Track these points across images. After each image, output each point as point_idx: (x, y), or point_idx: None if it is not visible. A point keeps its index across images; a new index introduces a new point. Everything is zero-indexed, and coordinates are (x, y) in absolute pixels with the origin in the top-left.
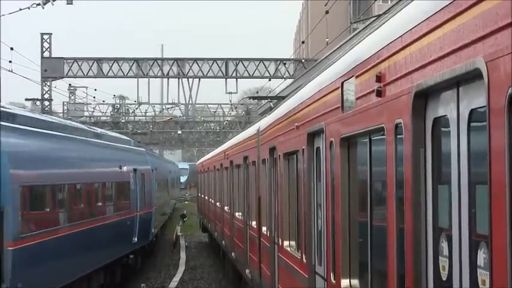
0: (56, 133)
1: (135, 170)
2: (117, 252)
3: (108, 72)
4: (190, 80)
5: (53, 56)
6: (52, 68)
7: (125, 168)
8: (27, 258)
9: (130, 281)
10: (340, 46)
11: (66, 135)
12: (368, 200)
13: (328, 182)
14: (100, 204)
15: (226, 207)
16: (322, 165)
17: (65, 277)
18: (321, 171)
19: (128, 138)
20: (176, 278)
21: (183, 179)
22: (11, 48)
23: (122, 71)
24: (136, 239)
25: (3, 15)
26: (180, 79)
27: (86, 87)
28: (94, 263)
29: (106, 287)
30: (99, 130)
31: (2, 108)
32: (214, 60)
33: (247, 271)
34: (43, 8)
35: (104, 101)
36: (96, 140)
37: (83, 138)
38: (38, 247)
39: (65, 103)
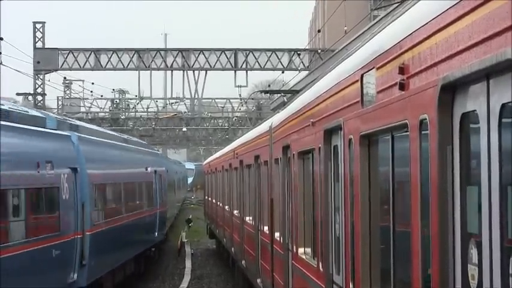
0: (107, 141)
1: (155, 171)
2: (148, 243)
3: (106, 64)
4: (196, 72)
5: (46, 46)
6: (45, 60)
7: (149, 170)
8: (97, 242)
9: None
10: (360, 35)
11: (114, 142)
12: (390, 203)
13: (346, 183)
14: (139, 200)
15: (235, 211)
16: (340, 165)
17: (118, 259)
18: (339, 171)
19: (143, 142)
20: None
21: (188, 180)
22: (1, 39)
23: (122, 62)
24: (156, 233)
25: None
26: (185, 71)
27: (83, 81)
28: (135, 249)
29: (132, 276)
30: (125, 136)
31: (79, 123)
32: (223, 50)
33: (258, 280)
34: None
35: (102, 96)
36: (129, 145)
37: (123, 144)
38: (105, 233)
39: (60, 98)
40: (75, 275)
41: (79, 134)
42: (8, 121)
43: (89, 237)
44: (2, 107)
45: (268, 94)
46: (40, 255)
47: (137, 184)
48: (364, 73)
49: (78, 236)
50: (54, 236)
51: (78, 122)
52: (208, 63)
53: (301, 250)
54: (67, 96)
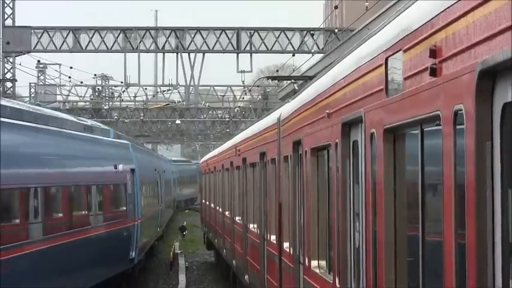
0: (142, 148)
1: (160, 172)
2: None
3: (87, 46)
4: (192, 55)
5: (17, 24)
6: (16, 40)
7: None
8: (143, 228)
9: None
10: (384, 12)
11: (146, 148)
12: (419, 209)
13: (368, 185)
14: (157, 194)
15: (237, 218)
16: (360, 164)
17: (150, 242)
18: (359, 171)
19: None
20: None
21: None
22: None
23: (105, 43)
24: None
25: None
26: (179, 54)
27: (59, 65)
28: (152, 239)
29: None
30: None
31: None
32: (223, 30)
33: None
34: None
35: (81, 82)
36: (150, 151)
37: (149, 150)
38: (147, 221)
39: (33, 85)
40: (133, 253)
41: (131, 143)
42: (91, 134)
43: (139, 224)
44: (86, 123)
45: (276, 81)
46: (115, 235)
47: (157, 181)
48: (389, 56)
49: (135, 223)
50: (123, 221)
51: (120, 133)
52: (206, 44)
53: (314, 263)
54: (41, 83)
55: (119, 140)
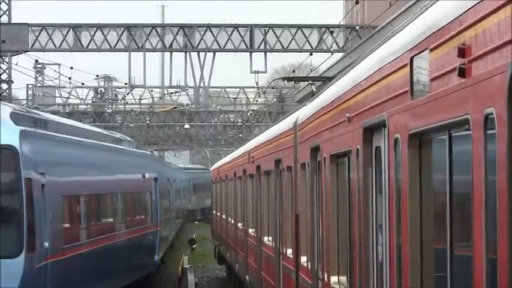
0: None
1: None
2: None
3: (88, 44)
4: (202, 54)
5: (13, 21)
6: (12, 38)
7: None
8: (162, 233)
9: None
10: (408, 8)
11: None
12: (447, 219)
13: (392, 194)
14: (176, 200)
15: (251, 230)
16: (383, 172)
17: (163, 250)
18: (382, 179)
19: (131, 140)
20: None
21: None
22: None
23: (108, 42)
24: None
25: None
26: (187, 53)
27: (59, 65)
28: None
29: None
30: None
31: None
32: (235, 27)
33: None
34: None
35: (83, 84)
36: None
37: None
38: (165, 226)
39: (30, 86)
40: (156, 256)
41: (154, 153)
42: (119, 145)
43: (160, 229)
44: (116, 135)
45: (293, 82)
46: (144, 238)
47: (173, 189)
48: (414, 56)
49: (158, 228)
50: (150, 226)
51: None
52: (217, 42)
53: (334, 279)
54: (39, 84)
55: (145, 151)
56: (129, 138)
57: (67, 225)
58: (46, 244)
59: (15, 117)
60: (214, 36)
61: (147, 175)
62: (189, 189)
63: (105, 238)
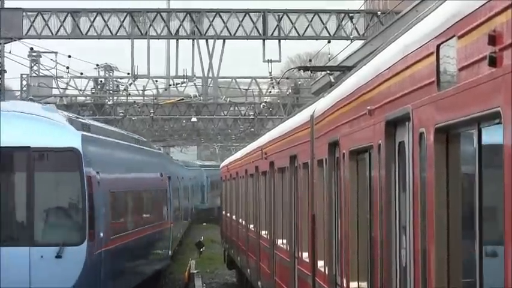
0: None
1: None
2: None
3: (88, 31)
4: (211, 41)
5: (6, 6)
6: (5, 24)
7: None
8: (174, 230)
9: None
10: None
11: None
12: (476, 220)
13: (416, 193)
14: (188, 198)
15: (263, 232)
16: (407, 169)
17: (174, 246)
18: (406, 177)
19: (146, 140)
20: None
21: None
22: None
23: (109, 28)
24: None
25: None
26: (195, 41)
27: (56, 53)
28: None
29: None
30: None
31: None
32: (246, 12)
33: None
34: None
35: (81, 74)
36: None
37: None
38: (176, 224)
39: (24, 76)
40: (170, 251)
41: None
42: (137, 145)
43: (173, 226)
44: (134, 136)
45: (309, 72)
46: (162, 233)
47: (186, 186)
48: (441, 43)
49: (171, 224)
50: (166, 222)
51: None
52: (227, 29)
53: (353, 285)
54: (34, 74)
55: (161, 151)
56: (143, 139)
57: (114, 218)
58: (101, 234)
59: (71, 123)
60: (224, 22)
61: (163, 174)
62: (202, 187)
63: (139, 230)
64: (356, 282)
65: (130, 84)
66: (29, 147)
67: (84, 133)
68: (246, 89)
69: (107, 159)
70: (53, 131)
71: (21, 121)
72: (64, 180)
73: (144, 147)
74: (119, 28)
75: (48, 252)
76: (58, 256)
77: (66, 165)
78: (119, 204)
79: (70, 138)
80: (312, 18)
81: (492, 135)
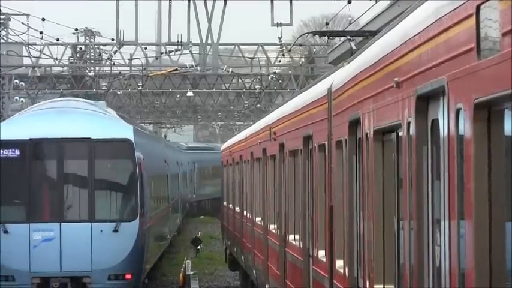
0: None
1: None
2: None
3: None
4: (210, 2)
5: None
6: None
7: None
8: (183, 203)
9: None
10: None
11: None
12: None
13: (452, 180)
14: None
15: (272, 227)
16: (442, 152)
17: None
18: (441, 162)
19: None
20: None
21: None
22: None
23: None
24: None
25: None
26: (191, 0)
27: (27, 16)
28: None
29: None
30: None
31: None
32: None
33: None
34: None
35: (58, 40)
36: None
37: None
38: (183, 199)
39: None
40: (178, 219)
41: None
42: (156, 137)
43: (181, 199)
44: (152, 128)
45: (326, 37)
46: (174, 206)
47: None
48: (481, 4)
49: (180, 199)
50: (178, 198)
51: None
52: None
53: None
54: (3, 40)
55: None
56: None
57: (151, 198)
58: (147, 212)
59: (122, 117)
60: None
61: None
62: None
63: (163, 209)
64: (381, 286)
65: (115, 52)
66: (90, 138)
67: (134, 126)
68: (251, 58)
69: (146, 148)
70: (109, 125)
71: (80, 116)
72: (119, 166)
73: (162, 138)
74: None
75: (106, 227)
76: (115, 230)
77: (122, 153)
78: (153, 187)
79: (124, 130)
80: None
81: None
